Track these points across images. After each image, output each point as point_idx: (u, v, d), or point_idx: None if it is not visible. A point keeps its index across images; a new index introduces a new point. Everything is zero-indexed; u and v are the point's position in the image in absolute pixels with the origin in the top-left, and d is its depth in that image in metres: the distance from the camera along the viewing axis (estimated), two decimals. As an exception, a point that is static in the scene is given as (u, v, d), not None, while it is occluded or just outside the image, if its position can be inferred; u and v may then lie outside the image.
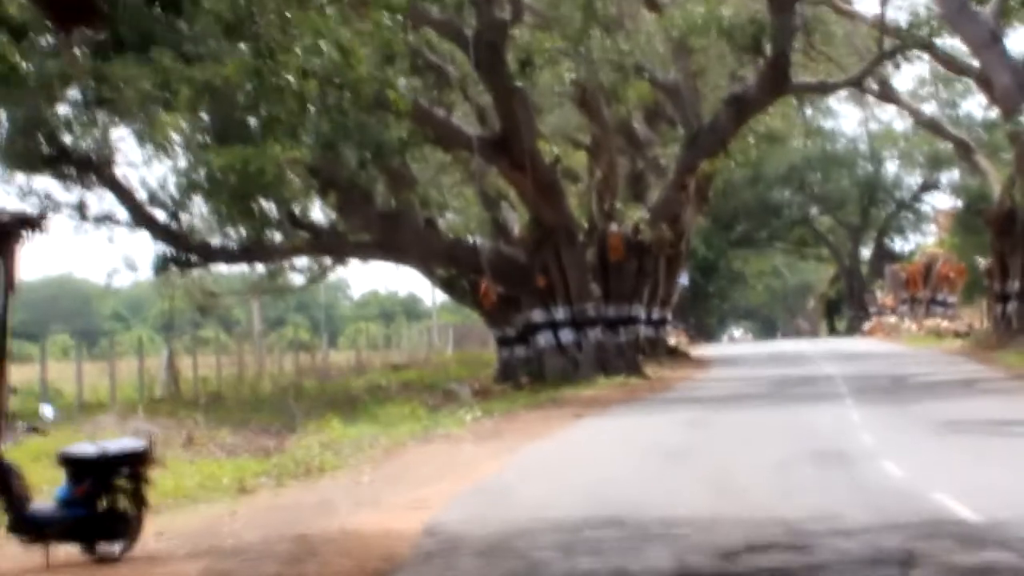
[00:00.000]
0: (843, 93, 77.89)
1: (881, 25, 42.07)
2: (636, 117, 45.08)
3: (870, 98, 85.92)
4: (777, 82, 39.44)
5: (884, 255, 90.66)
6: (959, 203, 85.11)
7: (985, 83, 44.38)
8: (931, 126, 53.84)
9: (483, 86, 36.73)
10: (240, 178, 30.05)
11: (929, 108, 65.86)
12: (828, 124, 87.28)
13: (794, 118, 62.80)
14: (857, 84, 46.00)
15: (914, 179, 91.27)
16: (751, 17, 38.96)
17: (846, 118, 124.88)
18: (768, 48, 38.58)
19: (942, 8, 36.66)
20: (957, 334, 55.52)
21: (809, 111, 70.97)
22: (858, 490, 15.41)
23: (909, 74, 69.17)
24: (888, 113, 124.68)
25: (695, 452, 20.17)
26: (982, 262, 50.29)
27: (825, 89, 47.37)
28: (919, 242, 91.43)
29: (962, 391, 29.45)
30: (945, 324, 62.86)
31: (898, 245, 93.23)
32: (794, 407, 27.31)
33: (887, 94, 49.77)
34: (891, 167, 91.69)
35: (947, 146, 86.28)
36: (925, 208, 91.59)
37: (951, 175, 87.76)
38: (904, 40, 41.77)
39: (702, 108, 42.92)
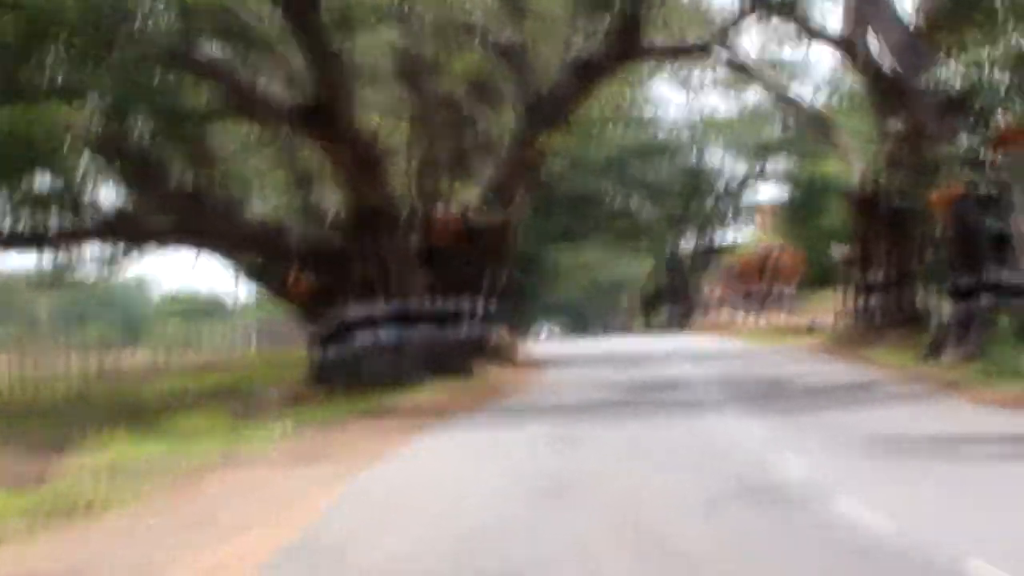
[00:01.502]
0: (668, 75, 74.78)
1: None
2: (466, 86, 40.18)
3: (695, 81, 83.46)
4: (627, 45, 35.14)
5: (707, 247, 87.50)
6: (785, 193, 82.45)
7: (849, 48, 40.65)
8: (786, 99, 49.59)
9: (297, 47, 31.70)
10: (6, 145, 25.40)
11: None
12: (650, 110, 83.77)
13: (615, 104, 58.79)
14: (706, 49, 41.91)
15: (739, 169, 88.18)
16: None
17: (670, 103, 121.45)
18: (617, 6, 34.20)
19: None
20: (809, 329, 51.96)
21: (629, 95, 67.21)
22: (848, 556, 10.88)
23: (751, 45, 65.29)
24: (713, 99, 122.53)
25: (580, 484, 15.58)
26: (837, 251, 46.27)
27: (677, 54, 43.10)
28: (743, 234, 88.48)
29: (863, 397, 25.35)
30: (785, 318, 59.43)
31: (721, 237, 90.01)
32: (672, 418, 22.96)
33: (737, 63, 45.63)
34: (716, 156, 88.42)
35: (774, 132, 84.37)
36: (750, 199, 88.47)
37: (776, 165, 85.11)
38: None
39: (543, 75, 38.36)
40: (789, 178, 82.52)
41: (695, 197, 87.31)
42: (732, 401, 25.65)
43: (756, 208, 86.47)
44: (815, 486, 14.33)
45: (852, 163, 43.96)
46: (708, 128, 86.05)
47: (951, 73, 25.86)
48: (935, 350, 30.76)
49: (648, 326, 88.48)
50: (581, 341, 71.95)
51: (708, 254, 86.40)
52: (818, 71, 71.94)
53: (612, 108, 56.62)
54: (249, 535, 13.33)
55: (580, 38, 37.80)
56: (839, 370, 32.39)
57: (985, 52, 24.29)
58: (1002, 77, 23.46)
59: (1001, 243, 29.77)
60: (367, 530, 13.20)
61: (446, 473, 17.81)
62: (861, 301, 42.38)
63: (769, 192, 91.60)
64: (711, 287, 77.17)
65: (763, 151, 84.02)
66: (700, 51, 42.36)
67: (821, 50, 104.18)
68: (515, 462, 18.09)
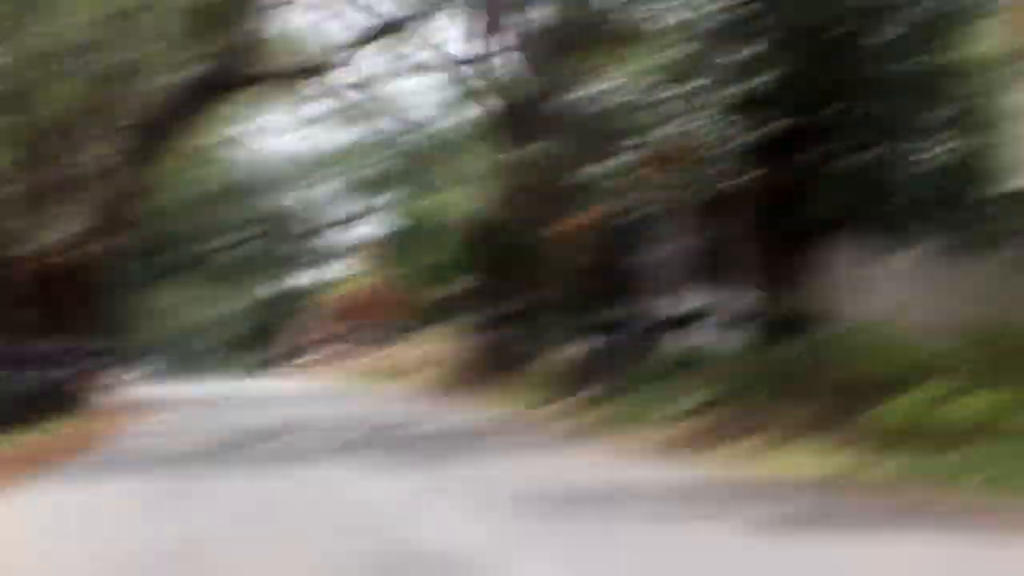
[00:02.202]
0: (272, 113, 71.99)
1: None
2: (67, 112, 36.19)
3: (303, 114, 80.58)
4: (244, 67, 32.10)
5: (313, 284, 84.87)
6: (393, 228, 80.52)
7: (475, 72, 38.53)
8: (406, 126, 46.89)
9: None
10: None
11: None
12: (253, 143, 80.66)
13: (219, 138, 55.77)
14: (326, 71, 39.22)
15: (347, 203, 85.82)
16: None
17: (276, 136, 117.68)
18: (233, 30, 31.15)
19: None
20: (419, 367, 49.56)
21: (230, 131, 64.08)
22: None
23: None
24: (322, 133, 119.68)
25: (193, 560, 12.41)
26: (453, 286, 43.93)
27: (293, 76, 40.18)
28: (349, 270, 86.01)
29: (499, 445, 22.79)
30: (393, 356, 57.00)
31: (326, 274, 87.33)
32: (297, 470, 19.94)
33: (357, 88, 43.02)
34: (319, 191, 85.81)
35: (384, 166, 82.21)
36: (358, 234, 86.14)
37: (385, 199, 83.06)
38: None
39: (153, 100, 34.88)
40: (397, 212, 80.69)
41: (301, 233, 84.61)
42: (357, 449, 22.81)
43: (363, 244, 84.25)
44: (489, 556, 11.60)
45: (474, 193, 41.76)
46: (311, 162, 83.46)
47: (596, 92, 23.73)
48: (564, 390, 28.59)
49: (253, 366, 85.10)
50: (188, 383, 67.89)
51: (313, 291, 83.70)
52: (442, 97, 69.63)
53: (217, 141, 53.60)
54: None
55: (195, 61, 34.62)
56: (462, 413, 29.92)
57: (637, 67, 22.30)
58: (656, 94, 21.45)
59: (636, 275, 27.86)
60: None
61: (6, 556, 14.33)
62: (479, 338, 40.12)
63: (376, 227, 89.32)
64: (313, 326, 74.32)
65: (372, 185, 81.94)
66: (319, 73, 39.69)
67: (445, 75, 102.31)
68: (111, 531, 14.79)
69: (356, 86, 43.13)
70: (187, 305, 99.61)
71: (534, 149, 38.22)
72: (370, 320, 62.57)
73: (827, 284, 22.39)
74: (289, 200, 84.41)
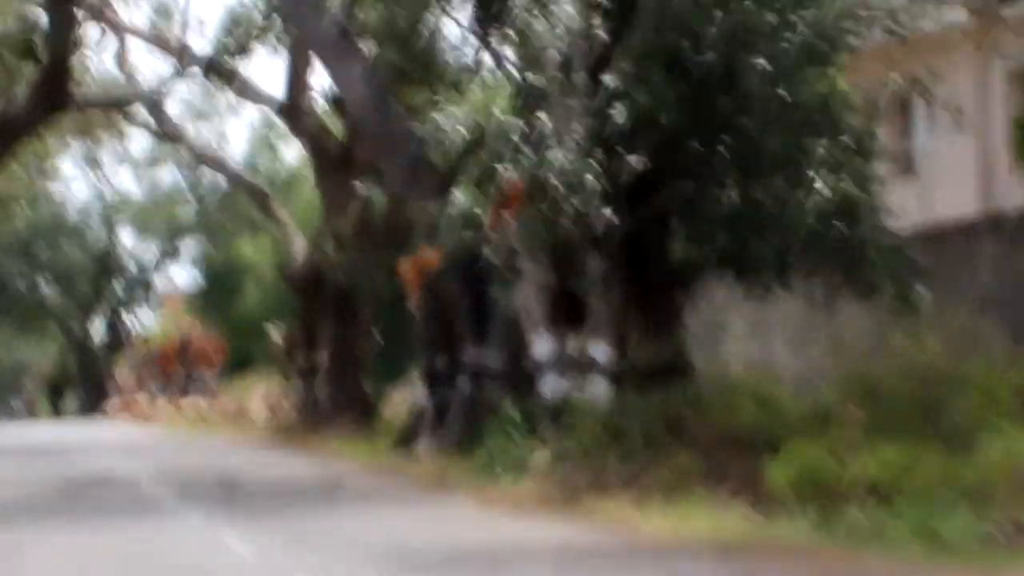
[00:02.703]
0: (77, 153, 69.77)
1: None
2: None
3: (108, 159, 78.21)
4: (54, 96, 30.21)
5: (119, 332, 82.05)
6: (200, 276, 78.45)
7: (293, 113, 37.05)
8: (216, 164, 44.93)
9: None
10: None
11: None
12: (58, 189, 77.80)
13: (23, 181, 53.26)
14: (144, 101, 37.46)
15: (151, 251, 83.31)
16: (21, 15, 29.60)
17: (77, 180, 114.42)
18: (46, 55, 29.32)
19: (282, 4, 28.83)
20: (237, 417, 47.73)
21: (35, 175, 61.57)
22: None
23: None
24: (126, 179, 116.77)
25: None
26: (274, 332, 42.16)
27: (109, 107, 38.25)
28: (156, 317, 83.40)
29: (348, 497, 21.35)
30: (208, 405, 54.96)
31: (133, 321, 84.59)
32: (127, 525, 18.33)
33: (167, 125, 41.15)
34: (127, 238, 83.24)
35: (189, 213, 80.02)
36: (163, 282, 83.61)
37: (190, 246, 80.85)
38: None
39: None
40: (203, 260, 78.58)
41: (105, 279, 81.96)
42: (189, 502, 21.15)
43: (168, 292, 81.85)
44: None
45: (292, 239, 40.12)
46: (119, 209, 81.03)
47: (435, 128, 22.44)
48: (406, 441, 27.16)
49: (56, 413, 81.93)
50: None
51: (120, 338, 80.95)
52: (259, 138, 67.81)
53: (20, 184, 51.35)
54: None
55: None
56: (298, 464, 28.31)
57: (483, 101, 21.07)
58: (504, 128, 20.18)
59: (481, 318, 26.54)
60: None
61: None
62: (304, 387, 38.42)
63: (183, 275, 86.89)
64: (125, 373, 71.66)
65: (176, 232, 79.75)
66: (134, 101, 37.94)
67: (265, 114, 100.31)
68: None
69: (168, 127, 41.35)
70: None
71: (364, 189, 36.86)
72: (184, 368, 60.35)
73: (691, 332, 21.38)
74: (98, 244, 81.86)
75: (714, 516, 16.70)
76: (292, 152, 70.76)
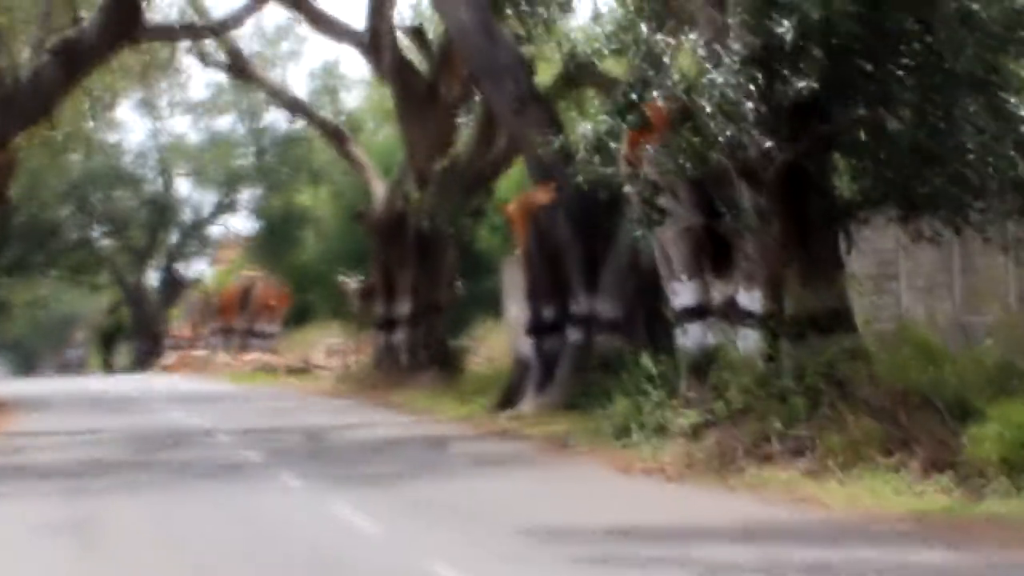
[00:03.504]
0: (134, 98, 67.95)
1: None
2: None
3: (163, 107, 75.92)
4: (126, 23, 27.83)
5: (175, 281, 79.76)
6: (258, 224, 76.29)
7: (374, 48, 34.63)
8: (294, 105, 42.14)
9: None
10: None
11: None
12: (114, 136, 75.62)
13: (81, 128, 50.99)
14: (216, 32, 35.04)
15: (208, 199, 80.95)
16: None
17: (133, 132, 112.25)
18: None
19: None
20: (302, 369, 45.53)
21: (92, 123, 59.31)
22: None
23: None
24: (181, 125, 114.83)
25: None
26: (348, 280, 39.66)
27: (180, 36, 35.76)
28: (213, 267, 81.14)
29: (461, 460, 19.03)
30: (271, 357, 52.71)
31: (190, 270, 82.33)
32: (219, 492, 16.03)
33: (239, 64, 38.65)
34: (184, 186, 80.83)
35: (246, 163, 77.70)
36: (221, 230, 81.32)
37: (249, 195, 78.57)
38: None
39: (17, 62, 30.41)
40: (262, 209, 76.33)
41: (161, 228, 79.67)
42: (280, 464, 18.82)
43: (227, 240, 79.60)
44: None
45: (371, 181, 37.62)
46: (175, 155, 78.71)
47: (550, 54, 19.88)
48: (509, 397, 24.76)
49: (109, 366, 79.87)
50: (36, 382, 62.69)
51: (176, 288, 78.74)
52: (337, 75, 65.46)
53: (80, 125, 49.14)
54: None
55: (64, 17, 30.26)
56: (388, 421, 25.92)
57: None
58: (652, 45, 17.60)
59: (594, 264, 24.12)
60: None
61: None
62: (384, 338, 36.02)
63: (241, 223, 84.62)
64: (182, 324, 69.52)
65: (234, 180, 77.45)
66: (206, 33, 35.49)
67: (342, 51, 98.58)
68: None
69: (240, 62, 38.89)
70: (41, 302, 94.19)
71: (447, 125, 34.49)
72: (246, 319, 58.08)
73: (855, 277, 18.80)
74: (153, 192, 79.63)
75: (906, 489, 14.26)
76: (353, 98, 68.58)
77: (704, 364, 18.16)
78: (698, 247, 18.66)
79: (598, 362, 23.46)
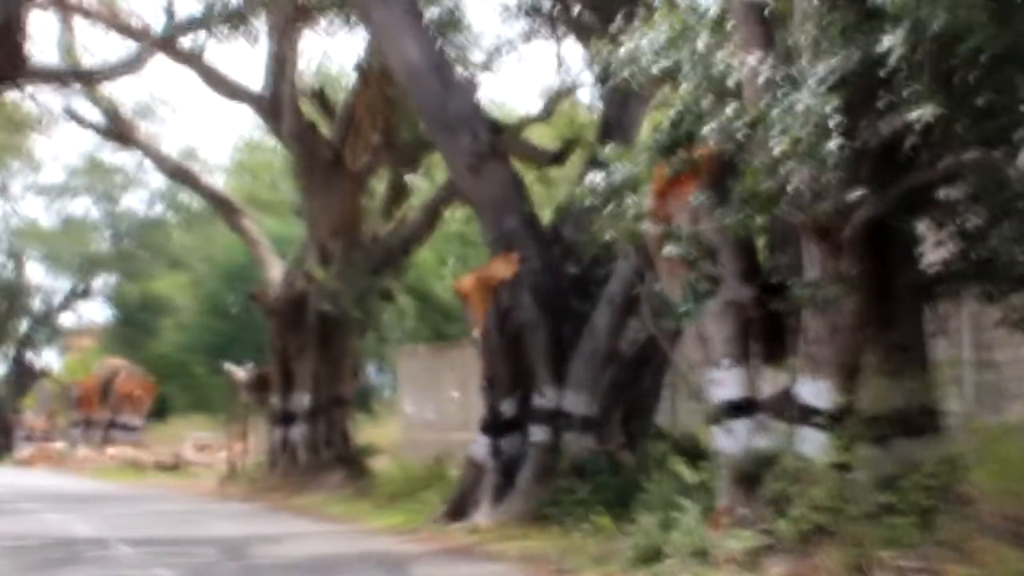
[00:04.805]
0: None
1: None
2: None
3: (15, 190, 70.85)
4: (7, 63, 23.29)
5: (25, 371, 73.98)
6: (114, 312, 71.36)
7: (273, 110, 30.35)
8: (183, 176, 37.11)
9: None
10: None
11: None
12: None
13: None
14: (105, 78, 30.55)
15: (61, 285, 75.50)
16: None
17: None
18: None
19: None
20: (174, 466, 40.59)
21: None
22: None
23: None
24: (34, 208, 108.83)
25: None
26: (236, 370, 34.78)
27: (65, 80, 30.96)
28: (62, 357, 75.56)
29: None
30: (135, 452, 47.55)
31: (40, 360, 76.40)
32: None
33: (118, 126, 33.85)
34: (35, 272, 75.50)
35: (102, 247, 72.59)
36: (72, 318, 75.80)
37: (104, 281, 73.40)
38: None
39: None
40: (118, 295, 71.37)
41: (10, 315, 74.10)
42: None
43: (81, 328, 74.23)
44: None
45: (266, 260, 32.95)
46: (27, 239, 73.39)
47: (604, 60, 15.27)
48: (460, 506, 20.27)
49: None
50: None
51: (27, 377, 72.93)
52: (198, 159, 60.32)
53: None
54: None
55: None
56: (311, 531, 21.15)
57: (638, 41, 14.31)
58: (713, 64, 13.51)
59: (562, 351, 19.85)
60: None
61: None
62: (278, 434, 31.22)
63: (95, 311, 79.19)
64: (35, 414, 63.74)
65: (89, 266, 72.30)
66: (95, 78, 30.83)
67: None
68: None
69: (119, 124, 34.19)
70: None
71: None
72: (108, 410, 52.81)
73: (950, 364, 14.74)
74: (6, 276, 74.22)
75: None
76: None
77: (755, 472, 13.93)
78: (746, 325, 14.44)
79: (569, 466, 19.18)
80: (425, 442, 32.19)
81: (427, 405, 35.29)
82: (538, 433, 19.73)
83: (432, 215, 30.99)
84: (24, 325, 74.99)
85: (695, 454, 16.24)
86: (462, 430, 29.31)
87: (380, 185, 31.41)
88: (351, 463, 29.61)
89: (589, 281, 19.83)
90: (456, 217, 34.14)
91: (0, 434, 68.04)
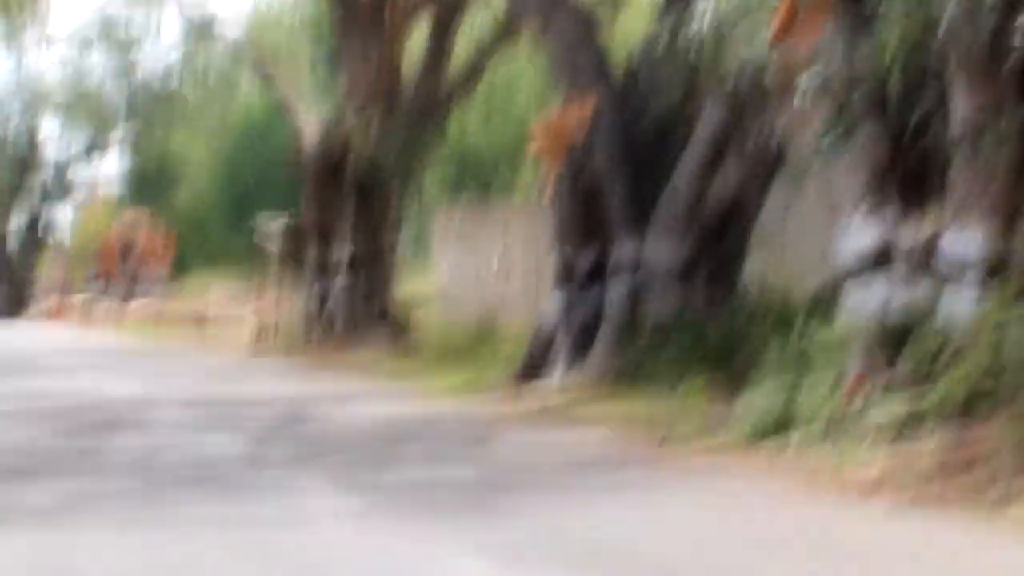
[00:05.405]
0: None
1: None
2: None
3: (29, 41, 68.83)
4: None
5: (42, 225, 72.80)
6: (132, 165, 70.07)
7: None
8: (198, 24, 34.75)
9: None
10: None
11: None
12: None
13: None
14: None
15: (77, 143, 74.08)
16: None
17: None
18: None
19: None
20: (200, 320, 39.16)
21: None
22: None
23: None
24: (49, 61, 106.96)
25: None
26: (271, 224, 33.01)
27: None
28: (78, 214, 74.12)
29: (542, 462, 12.75)
30: (158, 306, 46.25)
31: (57, 214, 75.06)
32: (208, 514, 9.67)
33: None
34: (50, 125, 74.04)
35: (120, 101, 71.00)
36: (86, 172, 74.31)
37: (121, 134, 71.86)
38: None
39: None
40: (137, 149, 70.00)
41: (25, 170, 72.69)
42: (282, 461, 12.65)
43: (96, 187, 72.76)
44: None
45: (302, 111, 31.06)
46: (41, 94, 71.93)
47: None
48: (532, 368, 18.69)
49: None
50: None
51: (43, 233, 71.74)
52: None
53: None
54: None
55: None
56: (376, 391, 19.64)
57: None
58: None
59: (641, 203, 18.15)
60: None
61: None
62: (316, 287, 29.61)
63: (113, 164, 77.67)
64: (51, 273, 62.40)
65: (105, 120, 70.94)
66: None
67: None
68: None
69: None
70: None
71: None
72: (129, 267, 51.33)
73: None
74: (15, 133, 72.81)
75: None
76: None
77: (897, 332, 12.29)
78: (882, 170, 12.72)
79: (652, 324, 17.57)
80: (462, 300, 30.79)
81: (466, 262, 33.79)
82: (618, 287, 18.08)
83: (477, 67, 29.25)
84: (40, 179, 73.86)
85: (810, 313, 14.56)
86: (501, 288, 28.01)
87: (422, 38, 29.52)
88: (393, 318, 28.10)
89: (673, 125, 18.04)
90: (499, 73, 32.40)
91: (18, 289, 66.93)
